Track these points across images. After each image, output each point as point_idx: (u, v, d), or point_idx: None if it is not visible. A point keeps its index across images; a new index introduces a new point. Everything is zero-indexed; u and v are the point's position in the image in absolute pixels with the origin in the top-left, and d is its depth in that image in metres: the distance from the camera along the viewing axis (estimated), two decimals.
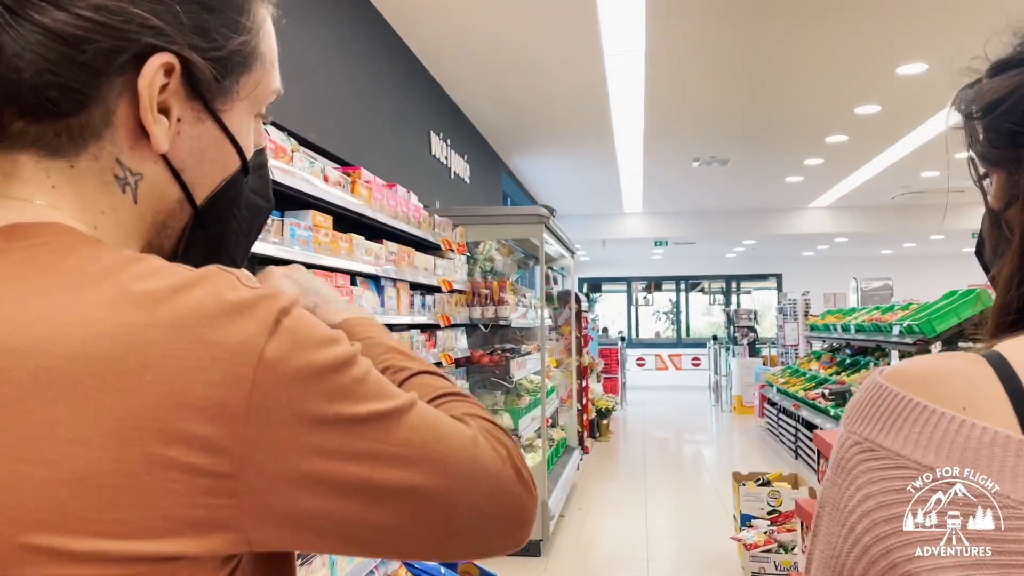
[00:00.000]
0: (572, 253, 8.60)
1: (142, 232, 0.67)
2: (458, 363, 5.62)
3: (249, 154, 0.72)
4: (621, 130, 8.70)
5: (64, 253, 0.58)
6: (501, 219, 5.81)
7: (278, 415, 0.55)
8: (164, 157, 0.65)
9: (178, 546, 0.53)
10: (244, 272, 0.62)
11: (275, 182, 2.87)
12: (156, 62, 0.61)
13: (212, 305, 0.56)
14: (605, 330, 19.58)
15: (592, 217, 14.98)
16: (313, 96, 4.44)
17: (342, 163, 4.43)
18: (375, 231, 4.09)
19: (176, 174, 0.66)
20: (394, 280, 4.23)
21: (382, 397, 0.61)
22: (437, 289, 4.99)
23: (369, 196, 3.83)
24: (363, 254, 3.71)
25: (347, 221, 3.76)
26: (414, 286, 4.65)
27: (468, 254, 6.16)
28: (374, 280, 4.01)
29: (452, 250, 5.30)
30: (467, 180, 7.90)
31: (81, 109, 0.60)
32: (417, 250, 4.63)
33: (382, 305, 4.03)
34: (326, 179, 3.36)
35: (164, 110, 0.63)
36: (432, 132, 6.70)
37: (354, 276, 3.75)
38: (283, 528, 0.57)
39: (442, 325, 4.96)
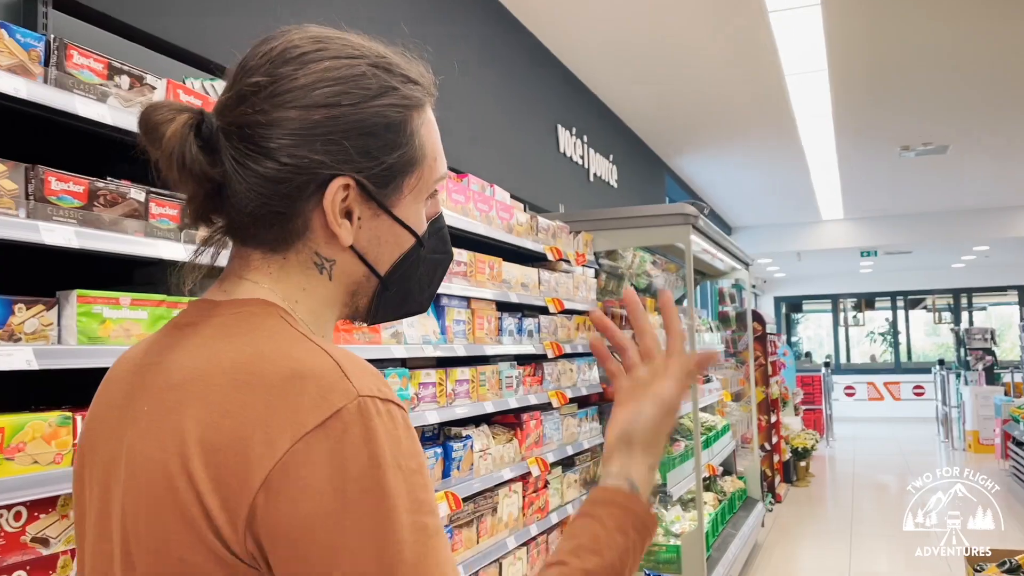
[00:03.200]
0: (746, 265, 7.21)
1: (338, 299, 0.89)
2: (584, 401, 4.51)
3: (421, 231, 0.90)
4: (803, 114, 7.23)
5: (258, 320, 0.80)
6: (633, 221, 4.67)
7: None
8: (351, 247, 0.86)
9: None
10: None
11: None
12: (334, 186, 0.82)
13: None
14: (808, 355, 17.51)
15: (783, 227, 13.26)
16: None
17: (455, 170, 3.52)
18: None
19: (361, 257, 0.87)
20: (466, 299, 3.23)
21: None
22: (544, 310, 3.94)
23: None
24: None
25: None
26: (505, 306, 3.63)
27: (606, 267, 5.06)
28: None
29: (567, 260, 4.23)
30: (613, 183, 6.79)
31: (288, 221, 0.84)
32: (509, 260, 3.61)
33: (442, 332, 3.03)
34: None
35: (348, 213, 0.85)
36: (560, 126, 5.68)
37: None
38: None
39: (550, 356, 3.90)
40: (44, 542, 1.60)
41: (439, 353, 2.94)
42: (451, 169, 3.57)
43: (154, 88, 1.83)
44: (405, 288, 0.92)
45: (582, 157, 6.10)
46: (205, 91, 2.20)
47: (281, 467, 0.68)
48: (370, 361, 2.54)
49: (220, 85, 2.24)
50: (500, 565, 3.38)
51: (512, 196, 4.19)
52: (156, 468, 0.73)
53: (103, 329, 1.68)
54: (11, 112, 1.55)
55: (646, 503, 0.89)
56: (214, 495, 0.69)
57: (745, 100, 6.88)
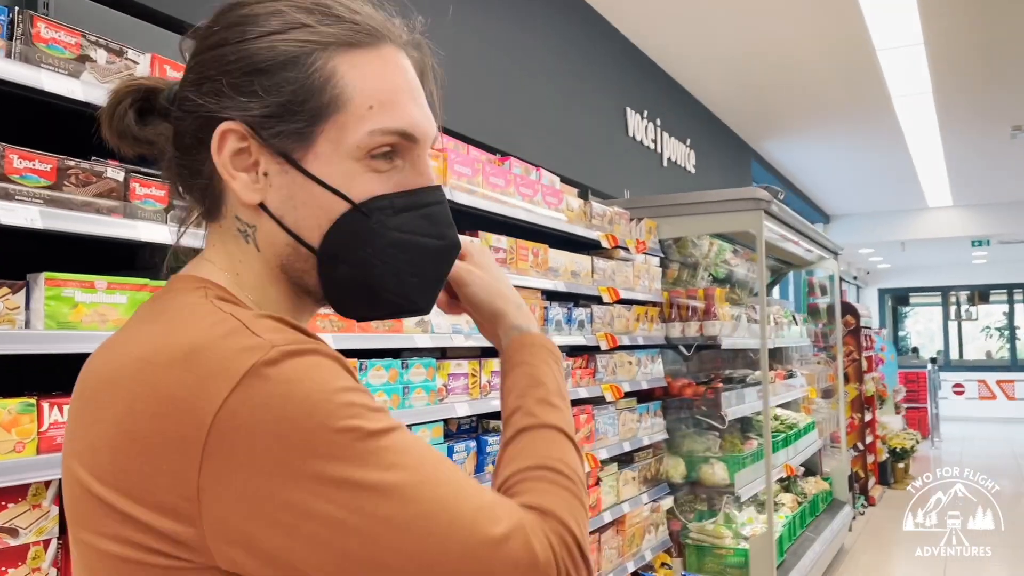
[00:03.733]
0: (835, 254, 6.79)
1: (274, 275, 0.80)
2: (646, 396, 4.30)
3: (355, 193, 0.76)
4: (900, 93, 6.74)
5: (175, 300, 0.75)
6: (700, 207, 4.41)
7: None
8: (263, 207, 0.77)
9: None
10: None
11: None
12: (218, 132, 0.74)
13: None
14: (915, 350, 16.55)
15: (885, 214, 12.53)
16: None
17: (492, 151, 3.40)
18: (482, 220, 3.00)
19: (278, 221, 0.77)
20: None
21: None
22: (597, 300, 3.75)
23: (442, 168, 2.74)
24: None
25: None
26: (554, 295, 3.47)
27: (677, 256, 4.82)
28: None
29: (624, 248, 4.02)
30: (690, 169, 6.50)
31: (201, 179, 0.78)
32: (558, 248, 3.45)
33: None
34: None
35: (254, 167, 0.76)
36: (630, 109, 5.45)
37: None
38: (244, 555, 0.64)
39: (604, 347, 3.71)
40: (12, 532, 1.55)
41: (471, 343, 2.81)
42: (493, 150, 3.43)
43: (136, 63, 1.76)
44: (364, 272, 0.78)
45: (654, 141, 5.85)
46: None
47: (210, 447, 0.63)
48: (391, 350, 2.43)
49: None
50: None
51: (567, 181, 4.02)
52: (70, 471, 0.72)
53: (75, 314, 1.61)
54: None
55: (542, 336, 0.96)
56: (128, 493, 0.66)
57: (835, 78, 6.46)
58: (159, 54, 1.84)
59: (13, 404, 1.50)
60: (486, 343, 2.92)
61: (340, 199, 0.76)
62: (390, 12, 0.83)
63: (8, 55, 1.52)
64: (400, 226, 0.78)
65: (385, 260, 0.78)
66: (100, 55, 1.68)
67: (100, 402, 0.70)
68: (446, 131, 3.07)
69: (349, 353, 2.34)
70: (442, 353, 2.96)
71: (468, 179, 2.87)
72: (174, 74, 1.86)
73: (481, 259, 0.99)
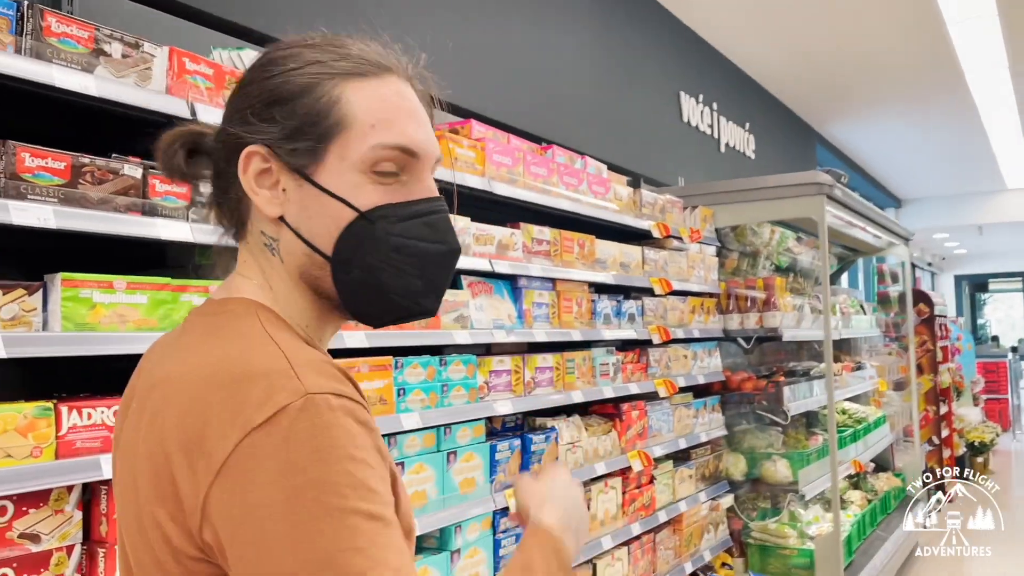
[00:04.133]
0: (905, 240, 6.48)
1: (297, 285, 0.88)
2: (703, 391, 4.15)
3: (360, 203, 0.84)
4: (973, 68, 6.38)
5: (234, 321, 0.85)
6: (758, 193, 4.22)
7: None
8: (283, 220, 0.86)
9: None
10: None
11: None
12: (243, 154, 0.85)
13: None
14: (995, 339, 15.84)
15: (960, 197, 11.99)
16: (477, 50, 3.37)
17: (534, 139, 3.30)
18: (524, 212, 2.90)
19: (295, 231, 0.86)
20: (550, 280, 2.99)
21: None
22: (649, 291, 3.62)
23: (480, 158, 2.65)
24: (465, 241, 2.54)
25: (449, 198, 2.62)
26: (603, 288, 3.35)
27: (735, 245, 4.64)
28: (505, 281, 2.81)
29: (677, 237, 3.88)
30: (749, 154, 6.28)
31: (231, 199, 0.89)
32: (606, 238, 3.33)
33: (519, 316, 2.81)
34: None
35: (275, 184, 0.86)
36: (684, 94, 5.28)
37: (457, 274, 2.59)
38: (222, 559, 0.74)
39: (657, 341, 3.58)
40: (34, 538, 1.52)
41: (513, 339, 2.72)
42: (535, 139, 3.33)
43: (153, 56, 1.71)
44: (374, 275, 0.86)
45: (711, 127, 5.66)
46: (233, 63, 2.08)
47: (231, 460, 0.72)
48: (428, 348, 2.36)
49: (247, 55, 2.12)
50: (594, 566, 3.13)
51: (616, 169, 3.89)
52: (132, 465, 0.82)
53: (93, 315, 1.58)
54: None
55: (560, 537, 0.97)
56: (180, 488, 0.75)
57: (904, 54, 6.16)
58: (179, 47, 1.79)
59: (29, 408, 1.47)
60: (531, 339, 2.84)
61: (347, 208, 0.84)
62: (398, 52, 0.93)
63: (18, 51, 1.49)
64: (403, 232, 0.86)
65: (390, 264, 0.85)
66: (115, 49, 1.64)
67: (166, 400, 0.80)
68: (485, 120, 2.98)
69: (385, 351, 2.28)
70: (487, 349, 2.89)
71: (508, 169, 2.77)
72: (192, 66, 1.81)
73: (547, 474, 1.10)
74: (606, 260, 3.32)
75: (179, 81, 1.77)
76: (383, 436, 0.93)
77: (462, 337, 2.49)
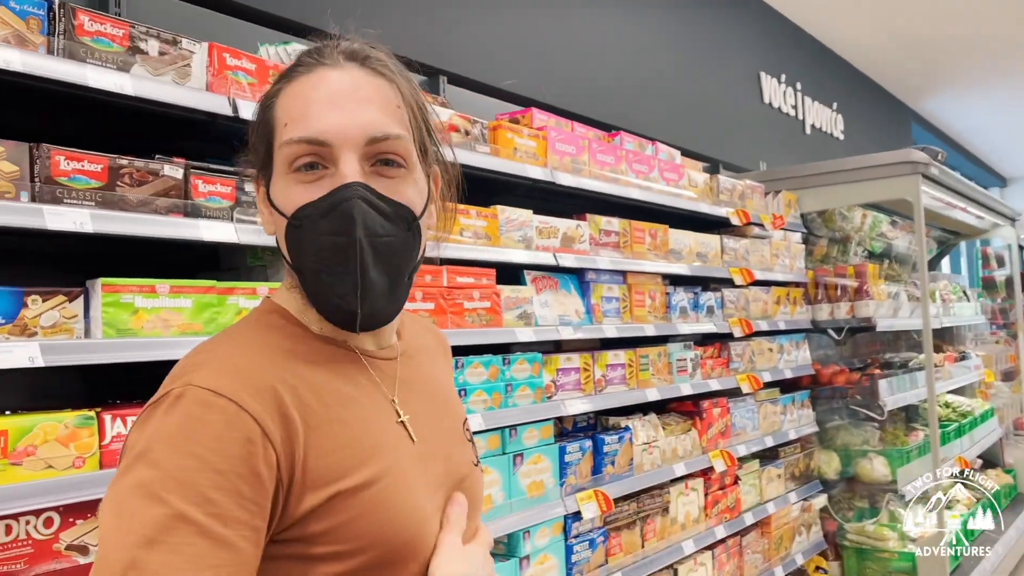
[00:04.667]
0: (1011, 220, 6.04)
1: (301, 294, 0.89)
2: (791, 386, 3.93)
3: (288, 209, 0.84)
4: None
5: (240, 322, 0.90)
6: (847, 175, 3.96)
7: None
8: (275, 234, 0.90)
9: None
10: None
11: None
12: (253, 183, 0.93)
13: None
14: None
15: None
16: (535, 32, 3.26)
17: (601, 126, 3.18)
18: (589, 202, 2.78)
19: (277, 243, 0.89)
20: (620, 273, 2.86)
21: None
22: (728, 282, 3.44)
23: (541, 148, 2.54)
24: (528, 235, 2.43)
25: (511, 189, 2.53)
26: (679, 280, 3.19)
27: (824, 231, 4.39)
28: (571, 275, 2.69)
29: (759, 224, 3.67)
30: (837, 135, 5.96)
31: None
32: (679, 227, 3.17)
33: (587, 312, 2.69)
34: None
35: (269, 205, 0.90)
36: (764, 74, 5.03)
37: (520, 269, 2.49)
38: None
39: (738, 334, 3.39)
40: (82, 550, 1.49)
41: (580, 335, 2.59)
42: (603, 126, 3.19)
43: (192, 53, 1.66)
44: (315, 277, 0.84)
45: (795, 107, 5.38)
46: (280, 59, 2.02)
47: (130, 431, 0.79)
48: (488, 346, 2.26)
49: (294, 49, 2.06)
50: (675, 571, 2.98)
51: (691, 155, 3.72)
52: None
53: (135, 320, 1.54)
54: (16, 87, 1.43)
55: None
56: None
57: (1007, 20, 5.72)
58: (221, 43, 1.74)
59: (70, 418, 1.43)
60: (600, 335, 2.71)
61: (280, 215, 0.85)
62: (337, 40, 0.90)
63: (50, 51, 1.45)
64: (325, 230, 0.82)
65: (323, 263, 0.83)
66: (152, 46, 1.59)
67: None
68: (547, 108, 2.86)
69: None
70: (556, 347, 2.78)
71: (573, 158, 2.65)
72: (233, 62, 1.76)
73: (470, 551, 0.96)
74: (681, 250, 3.15)
75: (219, 77, 1.71)
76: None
77: (525, 335, 2.39)
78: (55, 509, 1.45)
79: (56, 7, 1.47)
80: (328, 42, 0.89)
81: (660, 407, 3.17)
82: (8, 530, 1.38)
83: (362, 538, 0.78)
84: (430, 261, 2.20)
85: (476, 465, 1.00)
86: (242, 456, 0.73)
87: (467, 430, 1.02)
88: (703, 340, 3.34)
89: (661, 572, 2.91)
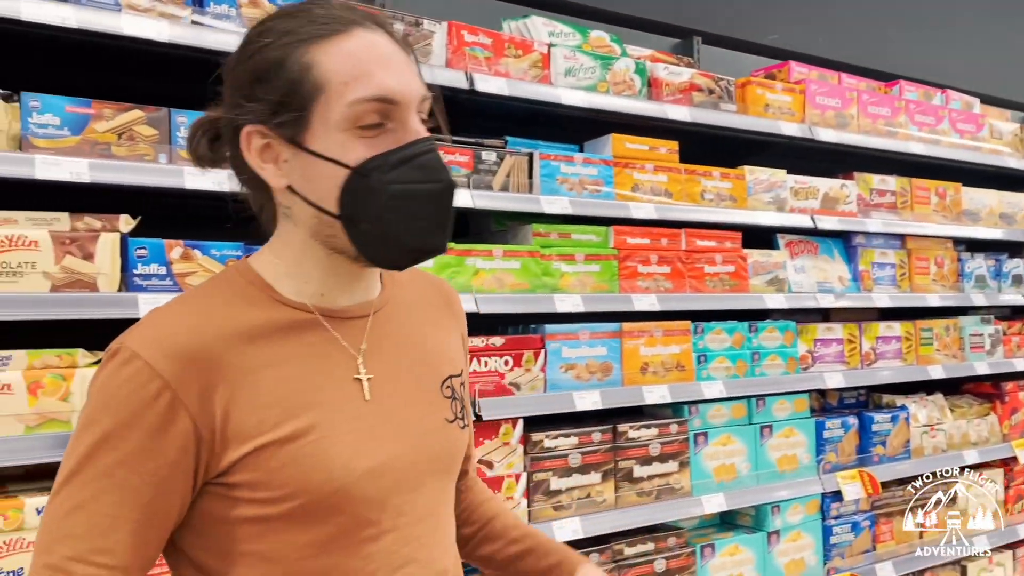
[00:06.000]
0: None
1: (309, 244, 0.94)
2: None
3: (349, 159, 0.88)
4: None
5: (206, 283, 0.98)
6: None
7: None
8: (290, 188, 0.92)
9: None
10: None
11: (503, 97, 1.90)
12: (242, 135, 0.91)
13: None
14: None
15: None
16: None
17: (877, 76, 2.95)
18: (858, 159, 2.57)
19: (303, 197, 0.91)
20: (899, 237, 2.61)
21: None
22: None
23: (797, 103, 2.39)
24: (780, 196, 2.32)
25: (761, 149, 2.42)
26: (976, 245, 2.83)
27: None
28: (834, 239, 2.51)
29: None
30: None
31: (247, 177, 0.96)
32: (975, 185, 2.80)
33: (853, 279, 2.50)
34: (654, 86, 2.16)
35: (278, 157, 0.91)
36: None
37: (771, 232, 2.38)
38: None
39: None
40: (488, 464, 1.71)
41: (844, 303, 2.41)
42: (877, 75, 2.90)
43: (432, 32, 1.81)
44: (381, 224, 0.90)
45: None
46: (521, 33, 2.12)
47: None
48: (734, 312, 2.20)
49: (532, 23, 2.13)
50: (963, 568, 2.67)
51: (994, 102, 3.24)
52: None
53: None
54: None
55: None
56: None
57: None
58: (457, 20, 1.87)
59: None
60: (868, 304, 2.49)
61: (340, 167, 0.88)
62: (365, 5, 0.96)
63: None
64: (397, 179, 0.88)
65: (392, 210, 0.89)
66: (396, 29, 1.76)
67: None
68: (810, 60, 2.66)
69: (682, 315, 2.16)
70: (824, 316, 2.61)
71: (837, 112, 2.45)
72: (471, 37, 1.88)
73: None
74: (978, 211, 2.79)
75: (457, 54, 1.84)
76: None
77: (775, 301, 2.27)
78: None
79: None
80: (352, 4, 0.95)
81: (951, 387, 2.84)
82: None
83: (286, 486, 0.86)
84: (668, 224, 2.18)
85: (452, 422, 1.01)
86: (145, 413, 0.84)
87: (448, 387, 1.03)
88: (1011, 314, 2.93)
89: (944, 568, 2.63)
